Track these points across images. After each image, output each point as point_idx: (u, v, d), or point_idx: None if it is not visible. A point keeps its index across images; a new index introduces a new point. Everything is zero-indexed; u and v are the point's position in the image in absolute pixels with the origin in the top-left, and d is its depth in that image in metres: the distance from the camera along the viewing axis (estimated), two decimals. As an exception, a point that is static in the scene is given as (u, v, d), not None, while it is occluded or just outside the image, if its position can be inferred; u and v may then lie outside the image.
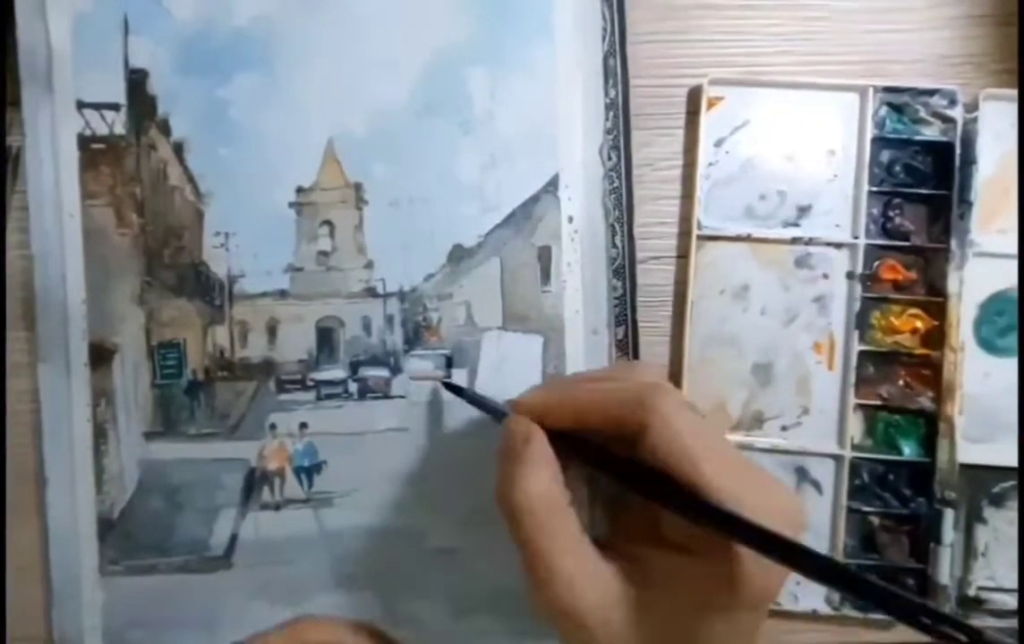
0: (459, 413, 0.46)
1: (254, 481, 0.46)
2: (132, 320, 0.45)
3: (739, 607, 0.31)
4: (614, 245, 0.45)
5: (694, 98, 0.46)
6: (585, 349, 0.45)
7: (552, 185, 0.45)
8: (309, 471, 0.46)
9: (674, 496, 0.31)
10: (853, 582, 0.27)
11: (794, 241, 0.46)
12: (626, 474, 0.33)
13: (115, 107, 0.44)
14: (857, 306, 0.46)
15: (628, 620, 0.31)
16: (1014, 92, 0.45)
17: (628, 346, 0.46)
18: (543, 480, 0.33)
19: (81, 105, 0.44)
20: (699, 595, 0.31)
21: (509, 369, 0.45)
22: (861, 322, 0.46)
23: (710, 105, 0.46)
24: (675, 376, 0.47)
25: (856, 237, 0.46)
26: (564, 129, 0.45)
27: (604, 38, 0.45)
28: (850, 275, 0.46)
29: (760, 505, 0.30)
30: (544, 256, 0.46)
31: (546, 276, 0.46)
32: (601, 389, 0.35)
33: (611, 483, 0.36)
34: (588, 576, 0.32)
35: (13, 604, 0.44)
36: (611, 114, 0.45)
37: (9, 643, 0.44)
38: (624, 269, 0.45)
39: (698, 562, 0.31)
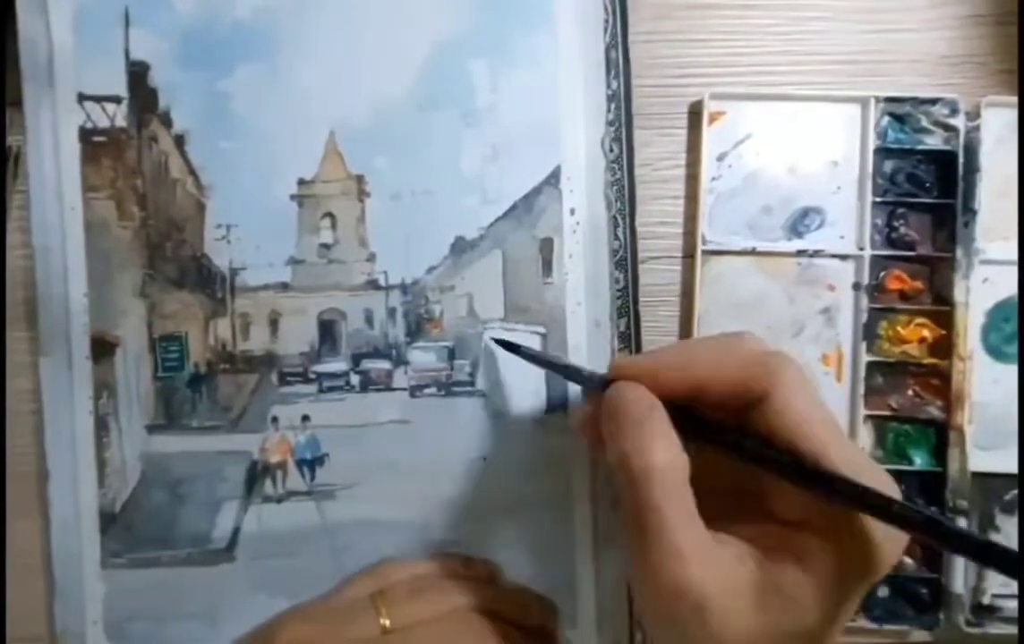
0: (461, 406, 0.46)
1: (256, 474, 0.46)
2: (134, 313, 0.45)
3: (865, 580, 0.30)
4: (616, 237, 0.45)
5: (695, 112, 0.46)
6: (587, 341, 0.45)
7: (554, 177, 0.45)
8: (311, 464, 0.45)
9: (797, 469, 0.30)
10: (990, 551, 0.26)
11: (799, 254, 0.46)
12: (741, 446, 0.32)
13: (116, 100, 0.44)
14: (864, 317, 0.46)
15: (751, 605, 0.29)
16: (1015, 98, 0.45)
17: (631, 338, 0.45)
18: (670, 449, 0.31)
19: (82, 98, 0.44)
20: (826, 573, 0.29)
21: (511, 362, 0.44)
22: (868, 333, 0.46)
23: (712, 119, 0.45)
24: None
25: (861, 248, 0.45)
26: (566, 121, 0.45)
27: (606, 30, 0.45)
28: (856, 286, 0.46)
29: (869, 483, 0.29)
30: (546, 248, 0.45)
31: (548, 268, 0.45)
32: (720, 355, 0.33)
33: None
34: (712, 556, 0.30)
35: (14, 598, 0.44)
36: (613, 106, 0.45)
37: (10, 638, 0.44)
38: (626, 261, 0.45)
39: (823, 539, 0.29)
